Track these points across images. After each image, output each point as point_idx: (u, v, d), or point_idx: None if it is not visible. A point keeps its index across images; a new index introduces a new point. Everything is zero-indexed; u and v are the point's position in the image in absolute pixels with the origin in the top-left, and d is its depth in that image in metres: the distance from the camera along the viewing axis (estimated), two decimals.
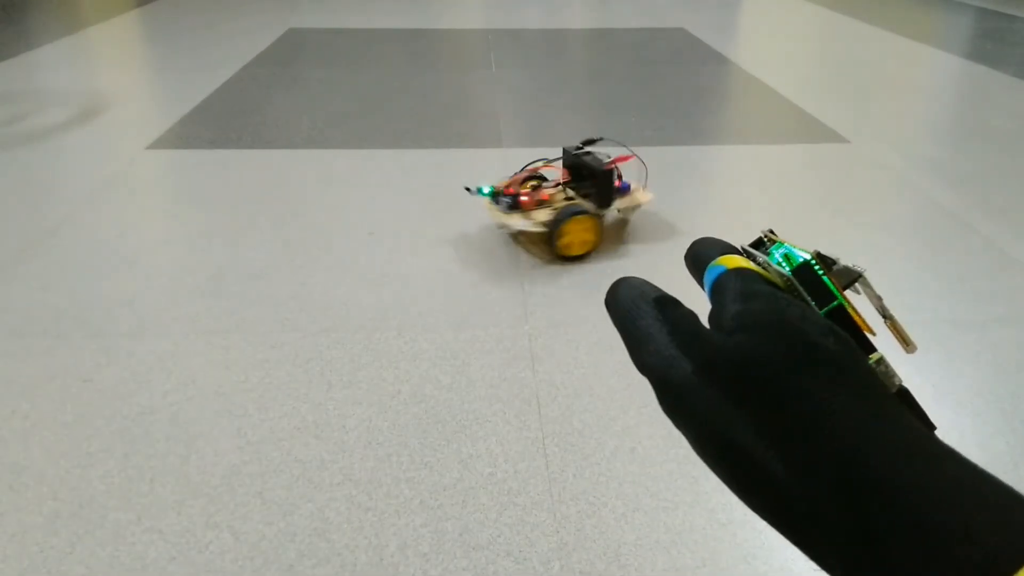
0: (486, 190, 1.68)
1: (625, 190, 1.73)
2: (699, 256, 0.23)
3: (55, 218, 1.84)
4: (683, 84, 3.11)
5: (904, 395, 0.19)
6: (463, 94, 2.97)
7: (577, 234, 1.62)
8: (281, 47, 3.62)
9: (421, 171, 2.16)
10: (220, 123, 2.55)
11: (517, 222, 1.61)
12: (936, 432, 0.18)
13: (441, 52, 3.67)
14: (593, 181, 1.63)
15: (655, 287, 0.21)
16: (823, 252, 0.22)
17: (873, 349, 0.20)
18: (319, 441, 1.13)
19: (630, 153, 1.71)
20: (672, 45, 3.81)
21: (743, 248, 0.24)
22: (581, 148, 1.70)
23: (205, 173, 2.15)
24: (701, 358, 0.18)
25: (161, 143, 2.36)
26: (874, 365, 0.20)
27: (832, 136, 2.48)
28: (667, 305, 0.20)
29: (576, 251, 1.64)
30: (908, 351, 0.22)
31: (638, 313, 0.20)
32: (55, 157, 2.25)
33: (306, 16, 4.39)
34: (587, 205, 1.65)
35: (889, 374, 0.20)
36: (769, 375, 0.17)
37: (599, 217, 1.66)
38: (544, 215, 1.62)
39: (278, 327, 1.41)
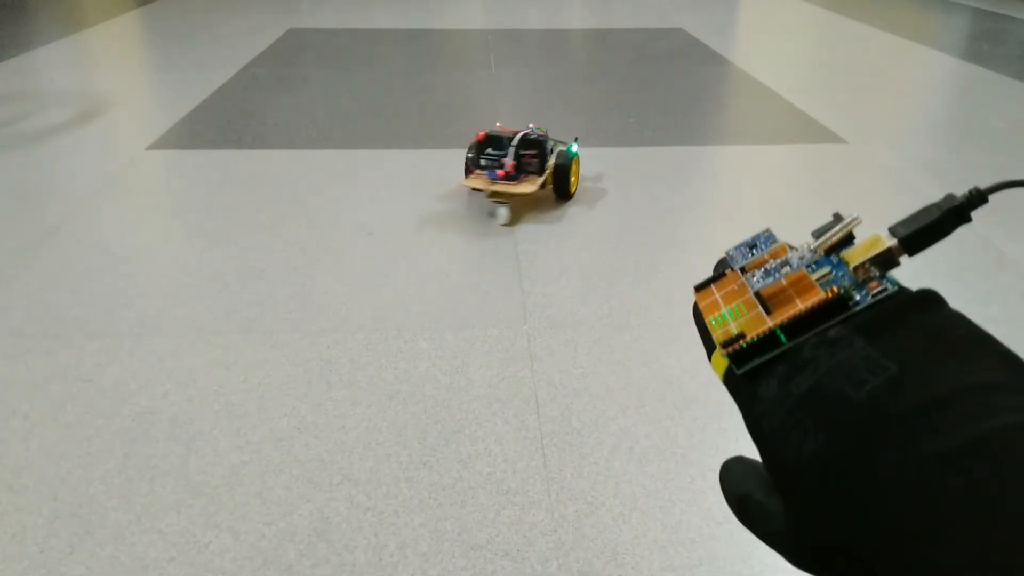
0: (575, 148, 1.93)
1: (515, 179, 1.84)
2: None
3: (55, 218, 1.85)
4: (682, 84, 3.12)
5: (932, 298, 0.20)
6: (463, 94, 2.97)
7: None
8: (281, 47, 3.63)
9: (421, 171, 2.16)
10: (220, 123, 2.55)
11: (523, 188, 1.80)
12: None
13: (441, 52, 3.67)
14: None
15: (742, 480, 0.21)
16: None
17: (849, 301, 0.20)
18: (319, 441, 1.14)
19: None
20: (671, 45, 3.82)
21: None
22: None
23: (205, 173, 2.15)
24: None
25: (161, 143, 2.36)
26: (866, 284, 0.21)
27: (829, 136, 2.49)
28: (745, 505, 0.21)
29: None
30: (855, 223, 0.22)
31: (737, 512, 0.21)
32: (55, 157, 2.25)
33: (306, 16, 4.40)
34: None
35: (885, 279, 0.21)
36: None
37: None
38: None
39: (278, 327, 1.42)
